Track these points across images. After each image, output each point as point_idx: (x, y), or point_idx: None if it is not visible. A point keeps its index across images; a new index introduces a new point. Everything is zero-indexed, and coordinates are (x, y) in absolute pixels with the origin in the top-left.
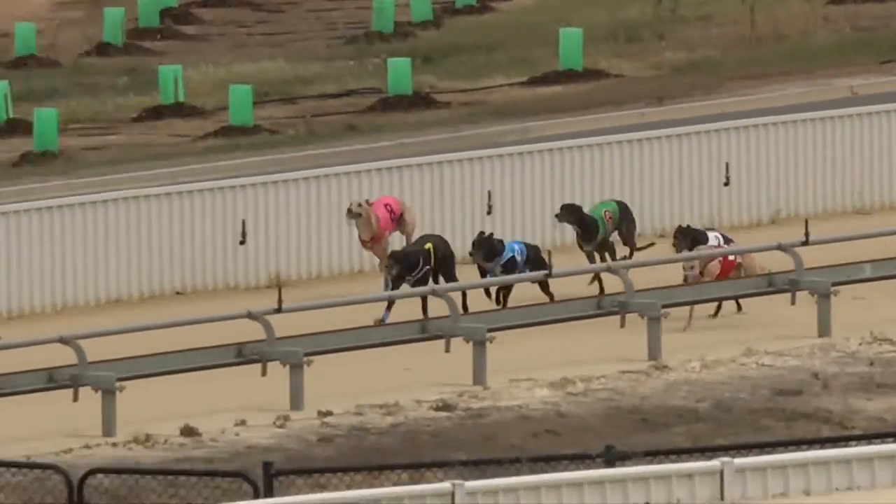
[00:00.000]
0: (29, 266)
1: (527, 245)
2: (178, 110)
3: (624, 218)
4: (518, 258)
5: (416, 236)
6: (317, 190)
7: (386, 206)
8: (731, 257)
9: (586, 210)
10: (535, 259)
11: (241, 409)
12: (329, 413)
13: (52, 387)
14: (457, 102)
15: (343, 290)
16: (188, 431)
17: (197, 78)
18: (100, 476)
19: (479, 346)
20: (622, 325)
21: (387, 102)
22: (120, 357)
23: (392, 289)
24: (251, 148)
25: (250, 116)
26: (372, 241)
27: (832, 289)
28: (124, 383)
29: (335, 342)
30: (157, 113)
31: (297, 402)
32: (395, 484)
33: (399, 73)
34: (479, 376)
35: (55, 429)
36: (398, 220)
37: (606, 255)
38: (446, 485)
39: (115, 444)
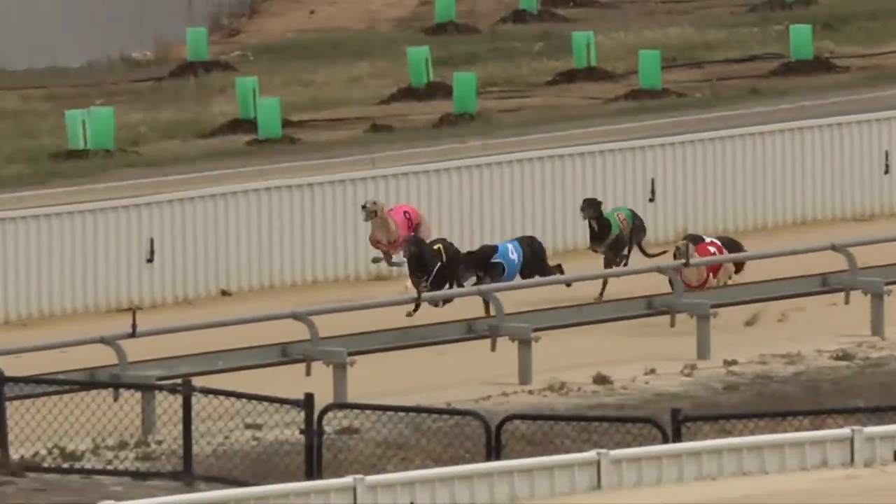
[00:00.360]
0: (449, 219)
1: (520, 240)
2: (591, 74)
3: (635, 224)
4: (510, 258)
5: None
6: (721, 150)
7: (405, 213)
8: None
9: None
10: (531, 256)
11: (651, 358)
12: (734, 362)
13: (471, 337)
14: (855, 67)
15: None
16: (600, 379)
17: (608, 43)
18: (516, 422)
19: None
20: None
21: (788, 67)
22: (535, 309)
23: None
24: (659, 110)
25: (659, 80)
26: (389, 247)
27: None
28: (539, 333)
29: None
30: (570, 77)
31: (703, 351)
32: (796, 430)
33: (800, 38)
34: (877, 328)
35: (474, 377)
36: (414, 229)
37: (621, 257)
38: (846, 430)
39: (530, 392)
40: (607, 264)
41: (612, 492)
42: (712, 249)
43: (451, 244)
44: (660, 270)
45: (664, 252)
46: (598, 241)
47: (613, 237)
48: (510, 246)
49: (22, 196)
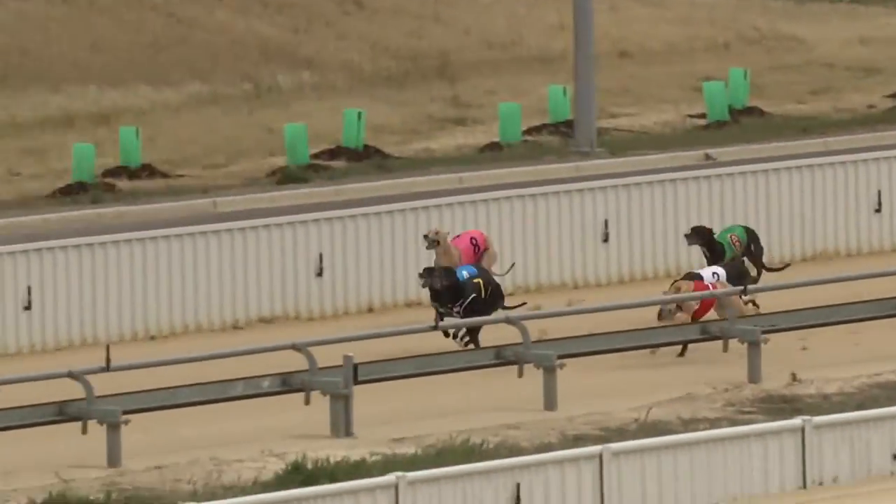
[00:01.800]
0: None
1: (477, 267)
2: None
3: (751, 242)
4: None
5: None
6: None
7: (472, 239)
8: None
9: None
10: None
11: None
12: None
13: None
14: None
15: None
16: None
17: None
18: None
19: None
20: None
21: None
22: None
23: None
24: None
25: None
26: None
27: None
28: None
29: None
30: None
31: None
32: None
33: None
34: None
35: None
36: (481, 255)
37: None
38: None
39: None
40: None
41: None
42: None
43: (490, 277)
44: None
45: (787, 266)
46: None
47: (730, 259)
48: (465, 272)
49: None
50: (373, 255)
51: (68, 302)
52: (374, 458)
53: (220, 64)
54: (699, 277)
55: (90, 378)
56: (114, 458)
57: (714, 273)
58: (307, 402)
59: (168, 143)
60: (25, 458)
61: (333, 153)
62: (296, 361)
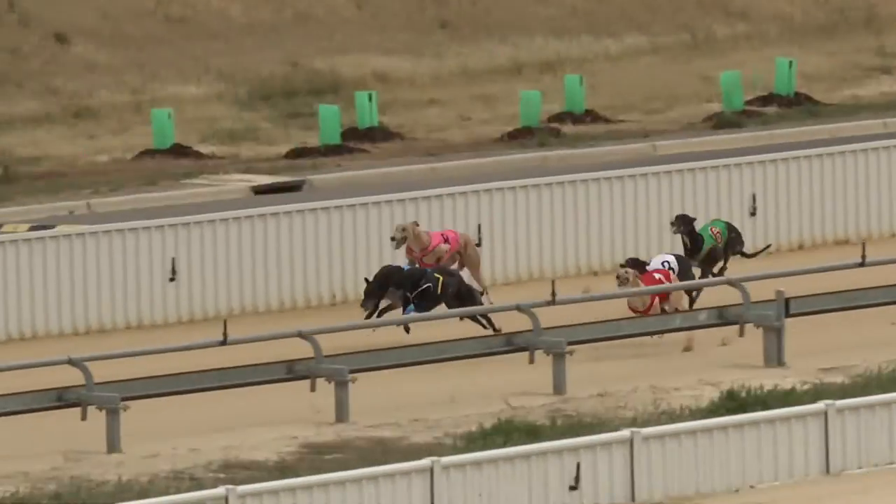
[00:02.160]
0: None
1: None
2: None
3: (730, 237)
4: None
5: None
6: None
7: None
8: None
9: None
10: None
11: None
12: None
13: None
14: None
15: None
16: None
17: None
18: None
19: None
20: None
21: None
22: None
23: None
24: None
25: None
26: (421, 256)
27: None
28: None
29: None
30: None
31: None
32: None
33: None
34: None
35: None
36: (461, 252)
37: (714, 269)
38: None
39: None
40: (703, 276)
41: None
42: (658, 276)
43: (454, 275)
44: (730, 283)
45: (767, 248)
46: (692, 256)
47: (707, 250)
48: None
49: None
50: (813, 194)
51: (516, 240)
52: (804, 386)
53: (658, 15)
54: (645, 266)
55: (538, 310)
56: (559, 386)
57: (664, 262)
58: (741, 334)
59: (609, 90)
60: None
61: (766, 100)
62: (731, 296)
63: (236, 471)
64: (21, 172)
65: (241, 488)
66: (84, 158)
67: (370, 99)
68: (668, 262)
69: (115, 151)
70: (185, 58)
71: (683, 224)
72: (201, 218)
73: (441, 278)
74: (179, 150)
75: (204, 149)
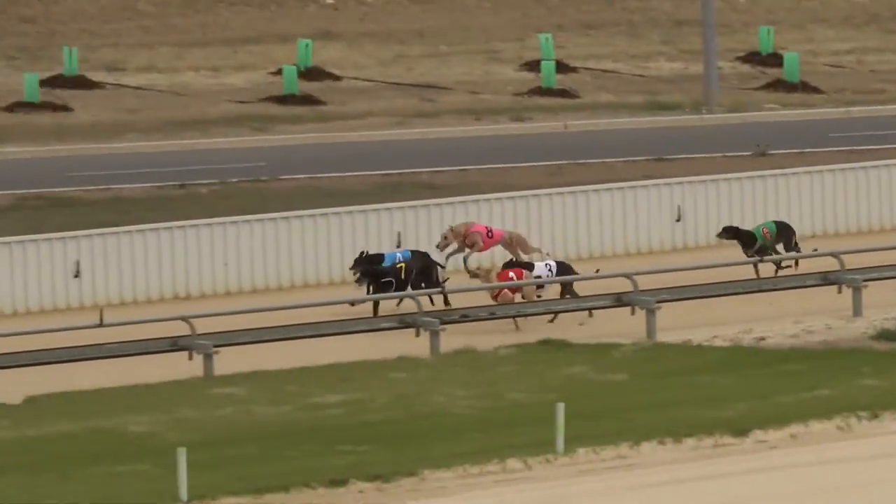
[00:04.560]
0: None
1: (413, 252)
2: None
3: (781, 233)
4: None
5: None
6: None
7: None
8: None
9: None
10: (422, 268)
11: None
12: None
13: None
14: None
15: None
16: None
17: None
18: None
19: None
20: None
21: None
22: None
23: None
24: None
25: None
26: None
27: None
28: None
29: None
30: None
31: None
32: None
33: None
34: None
35: None
36: (508, 244)
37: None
38: None
39: None
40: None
41: None
42: (511, 275)
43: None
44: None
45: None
46: (747, 248)
47: (759, 245)
48: (398, 255)
49: None
50: None
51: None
52: None
53: None
54: (529, 266)
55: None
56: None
57: (547, 265)
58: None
59: None
60: None
61: None
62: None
63: None
64: None
65: None
66: None
67: None
68: (550, 265)
69: None
70: None
71: (727, 233)
72: None
73: (403, 266)
74: None
75: None
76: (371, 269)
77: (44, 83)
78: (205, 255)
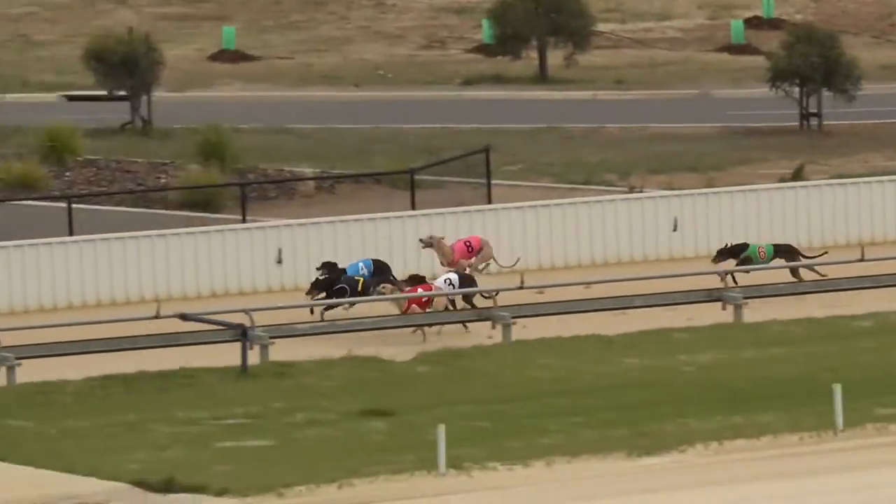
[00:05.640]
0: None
1: (374, 261)
2: None
3: (778, 252)
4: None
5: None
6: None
7: (465, 242)
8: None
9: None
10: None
11: None
12: None
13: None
14: None
15: None
16: None
17: None
18: None
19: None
20: None
21: None
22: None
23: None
24: None
25: None
26: (449, 265)
27: None
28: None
29: None
30: None
31: None
32: None
33: None
34: None
35: None
36: (476, 254)
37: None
38: None
39: None
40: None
41: None
42: (419, 289)
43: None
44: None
45: (824, 253)
46: (741, 263)
47: (746, 257)
48: (360, 264)
49: None
50: None
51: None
52: None
53: None
54: (422, 281)
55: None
56: None
57: (447, 279)
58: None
59: None
60: None
61: None
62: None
63: None
64: None
65: None
66: None
67: None
68: (450, 279)
69: None
70: None
71: (720, 255)
72: None
73: (361, 280)
74: None
75: None
76: (327, 280)
77: None
78: None
